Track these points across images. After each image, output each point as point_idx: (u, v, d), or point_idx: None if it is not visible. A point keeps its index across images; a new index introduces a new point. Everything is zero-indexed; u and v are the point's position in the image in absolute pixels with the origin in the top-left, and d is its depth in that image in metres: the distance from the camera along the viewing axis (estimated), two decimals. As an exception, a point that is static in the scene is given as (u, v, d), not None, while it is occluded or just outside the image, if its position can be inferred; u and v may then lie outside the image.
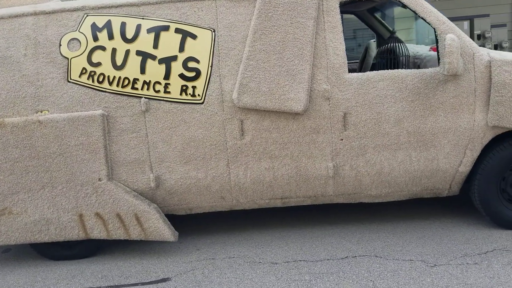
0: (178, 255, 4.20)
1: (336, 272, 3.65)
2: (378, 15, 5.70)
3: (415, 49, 5.07)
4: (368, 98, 3.93)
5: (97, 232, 4.10)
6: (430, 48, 5.02)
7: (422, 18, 3.96)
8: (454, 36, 3.73)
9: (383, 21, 5.67)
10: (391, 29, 5.58)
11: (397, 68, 4.68)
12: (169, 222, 4.11)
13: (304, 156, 4.04)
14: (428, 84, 3.92)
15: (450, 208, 4.78)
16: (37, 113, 4.00)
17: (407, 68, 4.59)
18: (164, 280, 3.76)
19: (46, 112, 4.00)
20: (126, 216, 4.04)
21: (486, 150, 4.09)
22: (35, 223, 4.09)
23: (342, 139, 4.00)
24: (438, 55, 4.00)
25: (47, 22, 4.01)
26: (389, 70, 3.95)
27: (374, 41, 5.74)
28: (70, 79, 3.98)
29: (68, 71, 3.98)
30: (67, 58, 3.98)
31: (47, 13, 4.02)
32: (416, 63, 4.88)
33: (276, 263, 3.88)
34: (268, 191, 4.16)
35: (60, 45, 3.99)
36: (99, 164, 3.99)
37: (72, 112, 3.98)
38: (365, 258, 3.85)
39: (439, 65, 3.99)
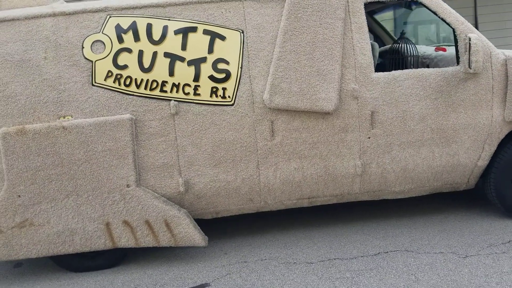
0: (208, 260, 4.13)
1: (374, 268, 3.71)
2: (377, 17, 5.85)
3: (421, 49, 5.25)
4: (394, 96, 4.04)
5: (125, 241, 3.96)
6: (435, 48, 5.21)
7: (441, 18, 4.11)
8: (477, 35, 3.90)
9: (381, 24, 5.83)
10: (388, 31, 5.74)
11: (405, 68, 4.83)
12: (198, 227, 4.04)
13: (333, 155, 4.09)
14: (449, 82, 4.07)
15: (460, 202, 4.97)
16: (59, 118, 3.83)
17: (416, 68, 4.75)
18: (203, 286, 3.69)
19: (70, 117, 3.84)
20: (156, 222, 3.94)
21: (502, 144, 4.29)
22: (58, 234, 3.91)
23: (369, 137, 4.08)
24: (457, 54, 4.16)
25: (67, 23, 3.85)
26: (414, 69, 4.07)
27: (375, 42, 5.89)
28: (95, 82, 3.84)
29: (93, 74, 3.83)
30: (91, 61, 3.83)
31: (67, 14, 3.86)
32: (424, 63, 5.06)
33: (311, 263, 3.90)
34: (297, 191, 4.18)
35: (83, 47, 3.83)
36: (127, 170, 3.87)
37: (97, 116, 3.83)
38: (397, 253, 3.94)
39: (457, 63, 4.16)
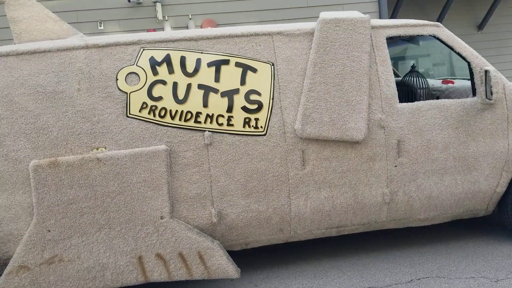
0: (239, 293, 4.07)
1: (412, 294, 3.75)
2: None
3: (429, 82, 5.49)
4: (419, 126, 4.19)
5: (158, 275, 3.87)
6: (442, 81, 5.46)
7: (457, 53, 4.34)
8: (494, 68, 4.13)
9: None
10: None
11: (416, 100, 5.04)
12: (231, 258, 3.99)
13: (362, 184, 4.17)
14: (468, 112, 4.26)
15: (472, 228, 5.10)
16: (93, 150, 3.78)
17: (425, 100, 4.96)
18: (242, 318, 3.62)
19: (103, 149, 3.80)
20: (189, 254, 3.88)
21: (518, 171, 4.48)
22: (89, 270, 3.78)
23: (396, 166, 4.19)
24: (472, 86, 4.38)
25: (100, 55, 3.87)
26: (436, 100, 4.25)
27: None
28: (130, 114, 3.83)
29: (127, 105, 3.83)
30: (126, 93, 3.84)
31: (100, 46, 3.88)
32: (434, 94, 5.28)
33: (370, 287, 3.90)
34: (326, 220, 4.21)
35: (117, 79, 3.85)
36: (162, 201, 3.82)
37: (132, 148, 3.81)
38: (430, 279, 3.99)
39: (473, 95, 4.37)
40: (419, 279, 4.02)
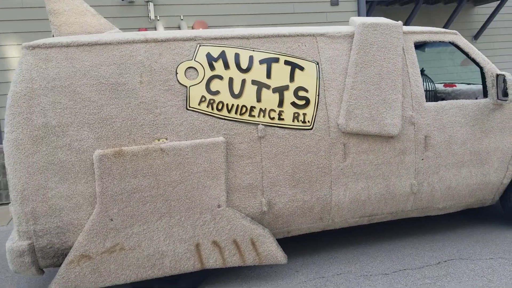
0: (285, 278, 4.30)
1: (447, 274, 4.16)
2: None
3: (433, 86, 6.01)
4: (442, 123, 4.64)
5: (213, 261, 4.03)
6: (444, 84, 6.00)
7: (472, 58, 4.85)
8: (507, 73, 4.67)
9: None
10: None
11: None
12: (279, 245, 4.22)
13: (393, 175, 4.55)
14: (482, 112, 4.78)
15: (470, 218, 5.64)
16: (155, 141, 3.89)
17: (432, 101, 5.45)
18: (300, 299, 3.87)
19: (164, 140, 3.92)
20: (243, 241, 4.07)
21: (520, 165, 5.06)
22: (148, 258, 3.88)
23: (423, 159, 4.61)
24: (484, 88, 4.91)
25: (160, 50, 3.99)
26: (456, 100, 4.73)
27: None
28: (189, 107, 3.98)
29: (187, 99, 3.98)
30: (186, 86, 3.99)
31: (159, 41, 4.01)
32: (439, 97, 5.79)
33: (387, 274, 4.25)
34: (361, 209, 4.55)
35: (177, 73, 3.98)
36: (219, 191, 4.00)
37: (191, 139, 3.96)
38: (455, 261, 4.43)
39: (484, 96, 4.90)
40: (446, 261, 4.45)
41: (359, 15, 9.62)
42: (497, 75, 4.75)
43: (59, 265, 3.89)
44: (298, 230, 4.48)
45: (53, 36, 4.56)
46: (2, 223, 6.80)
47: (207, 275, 4.30)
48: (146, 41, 3.98)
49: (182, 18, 8.63)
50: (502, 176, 4.93)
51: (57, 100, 3.72)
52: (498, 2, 12.42)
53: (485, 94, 4.94)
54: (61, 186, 3.72)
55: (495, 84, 4.79)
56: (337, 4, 9.38)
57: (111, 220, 3.78)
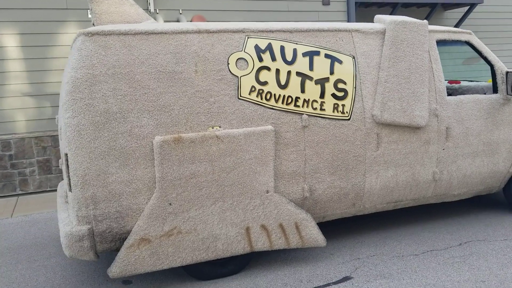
0: (323, 260, 4.54)
1: (473, 253, 4.53)
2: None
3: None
4: (461, 115, 5.02)
5: (261, 244, 4.21)
6: (448, 81, 6.42)
7: (484, 57, 5.27)
8: (517, 70, 5.11)
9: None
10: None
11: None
12: (319, 229, 4.45)
13: (418, 164, 4.88)
14: (494, 106, 5.20)
15: (468, 206, 6.10)
16: (209, 128, 4.02)
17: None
18: (346, 278, 4.11)
19: (218, 127, 4.06)
20: (288, 225, 4.27)
21: (523, 155, 5.54)
22: (203, 241, 4.01)
23: (444, 149, 4.98)
24: (494, 85, 5.34)
25: (212, 41, 4.12)
26: (472, 95, 5.13)
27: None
28: (240, 96, 4.14)
29: (239, 88, 4.13)
30: (237, 76, 4.14)
31: (210, 32, 4.14)
32: (447, 92, 6.19)
33: (417, 254, 4.58)
34: (389, 195, 4.86)
35: (228, 63, 4.13)
36: (268, 177, 4.18)
37: (242, 127, 4.11)
38: (474, 242, 4.82)
39: (494, 92, 5.33)
40: (466, 242, 4.83)
41: (348, 15, 10.00)
42: (507, 72, 5.18)
43: (115, 250, 3.95)
44: (333, 215, 4.73)
45: (93, 24, 4.59)
46: (6, 215, 6.67)
47: (250, 259, 4.47)
48: (199, 32, 4.10)
49: (181, 12, 8.68)
50: (509, 165, 5.38)
51: (117, 87, 3.79)
52: (467, 7, 13.18)
53: (494, 90, 5.36)
54: (121, 171, 3.79)
55: (504, 81, 5.22)
56: (328, 4, 9.72)
57: (170, 204, 3.88)
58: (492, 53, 5.29)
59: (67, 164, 3.78)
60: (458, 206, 6.09)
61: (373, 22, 5.10)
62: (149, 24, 4.02)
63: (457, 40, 5.20)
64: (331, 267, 4.38)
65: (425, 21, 4.86)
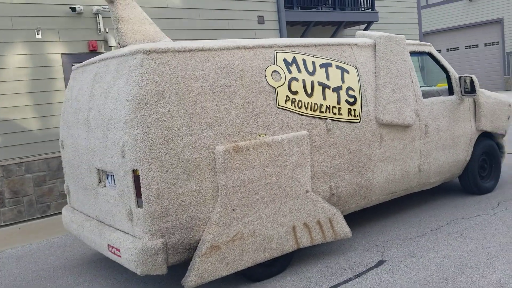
0: (347, 251, 5.04)
1: (463, 228, 5.37)
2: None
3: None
4: (433, 115, 5.92)
5: (305, 241, 4.59)
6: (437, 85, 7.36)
7: (441, 65, 6.26)
8: (473, 76, 6.16)
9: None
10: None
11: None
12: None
13: (408, 158, 5.65)
14: (453, 105, 6.21)
15: (429, 195, 7.09)
16: (258, 136, 4.32)
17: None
18: (381, 262, 4.66)
19: (264, 135, 4.37)
20: (324, 221, 4.71)
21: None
22: (260, 243, 4.27)
23: (424, 144, 5.82)
24: (450, 88, 6.35)
25: (250, 55, 4.44)
26: (439, 97, 6.07)
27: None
28: (279, 105, 4.50)
29: (276, 98, 4.50)
30: (274, 88, 4.50)
31: (247, 48, 4.46)
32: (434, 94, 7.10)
33: (421, 235, 5.30)
34: (389, 187, 5.54)
35: (266, 76, 4.48)
36: (306, 178, 4.59)
37: (281, 134, 4.48)
38: (457, 220, 5.69)
39: (449, 94, 6.35)
40: (451, 221, 5.68)
41: (280, 33, 10.74)
42: (460, 77, 6.23)
43: (184, 261, 4.03)
44: (349, 209, 5.26)
45: (118, 43, 4.63)
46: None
47: (292, 257, 4.80)
48: (238, 48, 4.40)
49: (129, 31, 8.63)
50: (466, 154, 6.42)
51: (180, 102, 3.93)
52: (365, 25, 14.81)
53: (450, 92, 6.38)
54: (188, 182, 3.92)
55: (458, 84, 6.26)
56: (263, 23, 10.36)
57: (233, 210, 4.09)
58: (447, 62, 6.30)
59: (136, 180, 3.81)
60: (421, 196, 7.02)
61: (354, 37, 5.79)
62: (194, 42, 4.21)
63: (422, 52, 6.12)
64: (361, 255, 4.89)
65: (403, 35, 5.68)
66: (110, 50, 8.43)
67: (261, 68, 4.48)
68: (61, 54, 7.97)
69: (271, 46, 4.63)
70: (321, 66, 4.92)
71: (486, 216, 5.72)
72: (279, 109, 4.50)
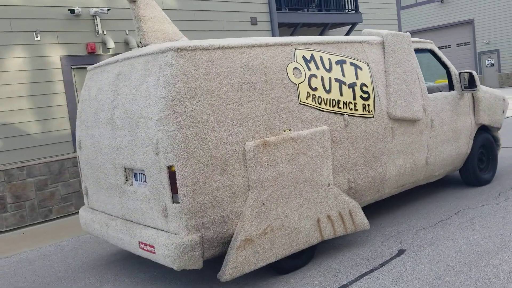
0: (368, 242, 5.18)
1: (472, 218, 5.58)
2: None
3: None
4: (438, 109, 6.13)
5: (328, 233, 4.70)
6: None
7: (442, 62, 6.49)
8: (473, 72, 6.41)
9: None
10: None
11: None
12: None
13: (417, 151, 5.84)
14: (454, 101, 6.44)
15: (436, 187, 7.32)
16: (283, 132, 4.42)
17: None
18: (401, 251, 4.82)
19: (289, 130, 4.48)
20: (345, 213, 4.84)
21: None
22: (289, 236, 4.37)
23: (430, 137, 6.02)
24: (450, 84, 6.59)
25: (272, 53, 4.55)
26: (442, 92, 6.29)
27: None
28: (301, 101, 4.62)
29: (298, 95, 4.61)
30: (296, 84, 4.61)
31: (269, 45, 4.56)
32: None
33: (433, 226, 5.48)
34: (400, 180, 5.71)
35: (287, 73, 4.59)
36: (328, 171, 4.71)
37: (303, 129, 4.59)
38: (464, 210, 5.91)
39: (449, 89, 6.58)
40: (458, 211, 5.89)
41: (272, 34, 10.87)
42: (459, 73, 6.47)
43: (217, 255, 4.09)
44: (363, 202, 5.40)
45: (140, 41, 4.67)
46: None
47: (315, 249, 4.90)
48: (261, 45, 4.49)
49: (127, 33, 8.64)
50: (467, 147, 6.66)
51: (211, 99, 4.00)
52: (349, 26, 15.09)
53: (450, 88, 6.62)
54: (221, 178, 3.99)
55: (459, 80, 6.50)
56: (256, 24, 10.48)
57: (263, 204, 4.18)
58: (447, 59, 6.53)
59: (172, 176, 3.86)
60: (425, 189, 7.24)
61: (360, 35, 5.96)
62: (220, 40, 4.29)
63: (425, 49, 6.33)
64: (379, 245, 5.04)
65: (408, 33, 5.87)
66: (108, 52, 8.41)
67: (283, 65, 4.58)
68: (60, 56, 7.91)
69: (290, 44, 4.74)
70: (337, 63, 5.05)
71: (491, 206, 5.96)
72: (301, 105, 4.62)
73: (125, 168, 4.48)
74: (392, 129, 5.48)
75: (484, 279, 3.98)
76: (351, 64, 5.19)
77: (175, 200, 3.90)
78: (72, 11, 7.84)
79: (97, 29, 8.22)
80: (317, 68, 4.85)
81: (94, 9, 8.13)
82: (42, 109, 7.72)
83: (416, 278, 4.16)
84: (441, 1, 30.37)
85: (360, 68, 5.26)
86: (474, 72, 6.37)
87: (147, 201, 4.20)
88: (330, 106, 4.86)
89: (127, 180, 4.50)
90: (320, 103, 4.77)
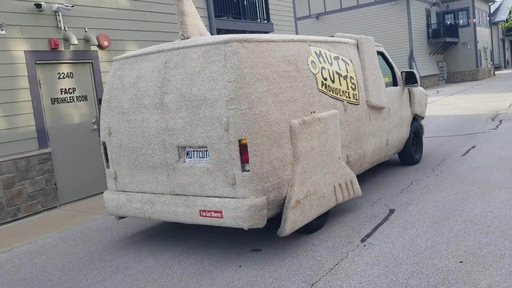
0: (359, 209, 6.26)
1: (425, 186, 6.99)
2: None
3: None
4: (390, 100, 7.51)
5: (340, 198, 5.68)
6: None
7: (388, 63, 7.92)
8: (414, 71, 7.92)
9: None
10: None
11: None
12: (356, 184, 6.17)
13: (382, 134, 7.12)
14: (399, 94, 7.90)
15: (380, 167, 8.73)
16: (311, 113, 5.30)
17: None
18: (392, 211, 5.99)
19: (314, 112, 5.37)
20: (348, 182, 5.87)
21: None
22: (319, 199, 5.25)
23: (389, 123, 7.36)
24: (394, 80, 8.05)
25: (297, 47, 5.41)
26: (392, 87, 7.70)
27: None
28: (319, 89, 5.55)
29: (317, 83, 5.53)
30: (314, 74, 5.53)
31: (294, 41, 5.42)
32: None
33: (398, 193, 6.77)
34: (372, 158, 6.92)
35: (308, 64, 5.49)
36: (338, 147, 5.70)
37: (320, 112, 5.53)
38: (416, 181, 7.32)
39: (393, 85, 8.05)
40: (411, 182, 7.28)
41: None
42: (401, 72, 7.97)
43: (274, 215, 4.81)
44: (352, 175, 6.49)
45: (182, 34, 5.23)
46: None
47: (328, 214, 5.81)
48: (290, 41, 5.33)
49: (86, 30, 8.72)
50: (407, 132, 8.17)
51: (267, 83, 4.73)
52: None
53: (394, 84, 8.07)
54: (277, 150, 4.74)
55: (401, 77, 7.98)
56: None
57: (305, 172, 5.01)
58: (392, 60, 7.97)
59: (242, 148, 4.51)
60: (373, 169, 8.61)
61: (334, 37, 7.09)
62: (262, 35, 5.03)
63: (378, 51, 7.69)
64: (371, 208, 6.15)
65: (372, 37, 7.15)
66: (69, 48, 8.41)
67: (305, 58, 5.47)
68: (25, 51, 7.77)
69: (305, 41, 5.65)
70: (334, 58, 6.09)
71: (433, 177, 7.47)
72: (319, 92, 5.54)
73: (178, 147, 4.96)
74: (369, 115, 6.67)
75: (468, 220, 5.29)
76: (342, 60, 6.27)
77: (244, 169, 4.55)
78: (38, 5, 7.77)
79: (59, 25, 8.20)
80: (324, 62, 5.82)
81: (57, 5, 8.11)
82: (7, 105, 7.51)
83: (419, 224, 5.32)
84: (316, 18, 33.58)
85: (348, 64, 6.36)
86: (415, 71, 7.89)
87: (208, 173, 4.75)
88: (335, 93, 5.86)
89: (179, 158, 4.98)
90: (329, 91, 5.75)
